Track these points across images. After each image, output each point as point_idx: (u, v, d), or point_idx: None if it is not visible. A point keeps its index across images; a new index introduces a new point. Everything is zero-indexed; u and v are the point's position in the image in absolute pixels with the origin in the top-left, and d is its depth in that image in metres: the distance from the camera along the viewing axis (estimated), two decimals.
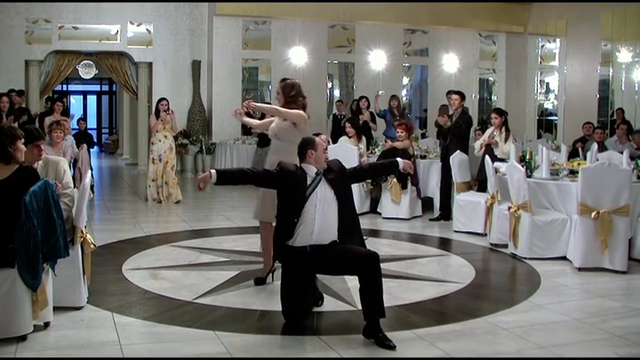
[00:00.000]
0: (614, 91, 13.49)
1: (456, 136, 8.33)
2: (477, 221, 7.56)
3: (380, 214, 8.84)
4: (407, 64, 15.97)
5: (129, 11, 13.93)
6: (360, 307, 4.15)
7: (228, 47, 14.25)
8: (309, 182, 4.30)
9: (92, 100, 23.49)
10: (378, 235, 7.76)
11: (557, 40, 14.96)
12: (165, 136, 9.81)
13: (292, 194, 4.28)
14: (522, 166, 6.59)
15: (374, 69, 14.95)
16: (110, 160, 18.65)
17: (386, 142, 9.13)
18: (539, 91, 15.71)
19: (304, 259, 4.25)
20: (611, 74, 13.54)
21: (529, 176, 6.61)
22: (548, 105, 15.67)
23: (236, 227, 7.93)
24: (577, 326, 4.46)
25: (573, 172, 6.71)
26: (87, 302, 4.64)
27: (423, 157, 9.31)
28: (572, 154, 9.58)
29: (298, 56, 14.31)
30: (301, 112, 5.26)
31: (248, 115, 5.87)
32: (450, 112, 8.69)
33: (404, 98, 15.41)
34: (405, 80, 15.98)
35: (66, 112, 11.33)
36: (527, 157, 6.90)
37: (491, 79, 16.68)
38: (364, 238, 4.53)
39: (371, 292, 4.02)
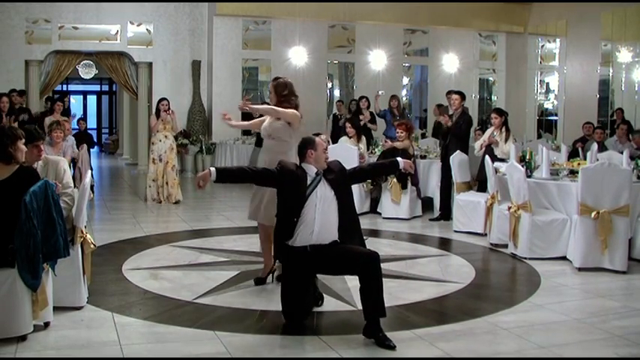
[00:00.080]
0: (614, 91, 13.49)
1: (455, 136, 8.33)
2: (477, 221, 7.56)
3: (380, 214, 8.84)
4: (407, 64, 15.97)
5: (129, 11, 13.93)
6: (360, 307, 4.15)
7: (228, 47, 14.25)
8: (309, 182, 4.31)
9: (92, 100, 23.49)
10: (378, 235, 7.76)
11: (557, 40, 14.97)
12: (166, 136, 9.80)
13: (292, 193, 4.28)
14: (522, 166, 6.59)
15: (374, 69, 14.95)
16: (110, 160, 18.65)
17: (386, 142, 9.13)
18: (539, 91, 15.72)
19: (305, 259, 4.25)
20: (611, 74, 13.54)
21: (529, 176, 6.61)
22: (548, 105, 15.67)
23: (236, 227, 7.93)
24: (577, 326, 4.46)
25: (573, 172, 6.71)
26: (87, 302, 4.64)
27: (423, 157, 9.31)
28: (572, 154, 9.58)
29: (298, 56, 14.31)
30: (295, 111, 5.26)
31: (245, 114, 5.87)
32: (450, 112, 8.69)
33: (404, 98, 15.41)
34: (405, 80, 15.99)
35: (66, 112, 11.33)
36: (527, 157, 6.90)
37: (491, 79, 16.68)
38: (364, 238, 4.53)
39: (371, 291, 4.02)
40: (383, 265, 4.23)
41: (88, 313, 4.50)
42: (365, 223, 7.95)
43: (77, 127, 11.86)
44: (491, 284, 5.72)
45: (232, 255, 6.44)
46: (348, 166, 4.62)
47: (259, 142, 11.05)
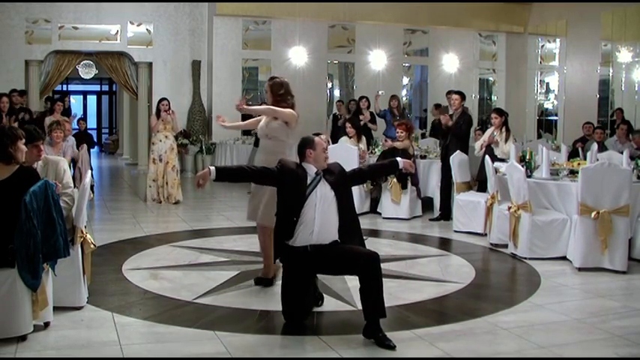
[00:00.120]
0: (614, 91, 13.49)
1: (456, 136, 8.33)
2: (477, 221, 7.56)
3: (380, 214, 8.84)
4: (407, 64, 15.97)
5: (129, 11, 13.93)
6: (360, 307, 4.15)
7: (228, 47, 14.25)
8: (309, 181, 4.31)
9: (92, 100, 23.50)
10: (378, 235, 7.76)
11: (557, 40, 14.96)
12: (166, 137, 9.80)
13: (292, 193, 4.28)
14: (522, 166, 6.59)
15: (374, 69, 14.95)
16: (110, 160, 18.66)
17: (386, 141, 9.13)
18: (539, 91, 15.71)
19: (305, 259, 4.25)
20: (611, 74, 13.54)
21: (529, 176, 6.61)
22: (548, 105, 15.67)
23: (236, 227, 7.93)
24: (577, 326, 4.46)
25: (573, 172, 6.71)
26: (87, 302, 4.64)
27: (423, 157, 9.31)
28: (572, 154, 9.58)
29: (298, 56, 14.31)
30: (292, 110, 5.26)
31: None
32: (450, 112, 8.69)
33: (404, 98, 15.41)
34: (405, 80, 15.99)
35: (67, 112, 11.32)
36: (527, 157, 6.90)
37: (491, 79, 16.68)
38: (364, 238, 4.53)
39: (371, 291, 4.02)
40: (383, 265, 4.23)
41: (88, 313, 4.50)
42: (365, 223, 7.95)
43: (77, 127, 11.86)
44: (491, 284, 5.72)
45: (232, 255, 6.44)
46: (348, 166, 4.62)
47: (258, 142, 11.03)
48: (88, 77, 17.38)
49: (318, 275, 4.67)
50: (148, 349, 3.95)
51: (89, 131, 12.93)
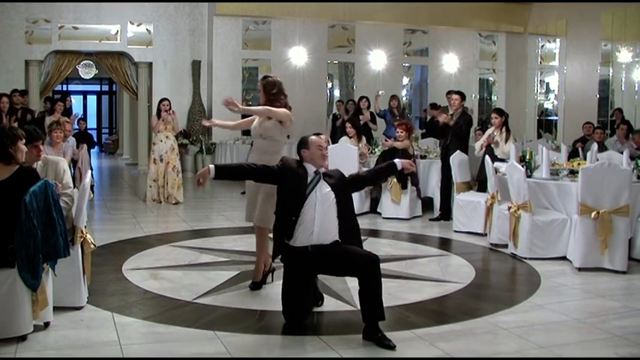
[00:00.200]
0: (614, 91, 13.50)
1: (456, 136, 8.33)
2: (477, 221, 7.56)
3: (380, 214, 8.84)
4: (407, 64, 15.98)
5: (129, 11, 13.94)
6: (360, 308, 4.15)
7: (228, 47, 14.26)
8: (309, 180, 4.31)
9: (92, 100, 23.50)
10: (378, 235, 7.76)
11: (557, 40, 14.97)
12: (167, 137, 9.79)
13: (292, 191, 4.28)
14: (522, 166, 6.58)
15: (374, 69, 14.96)
16: (110, 160, 18.66)
17: (386, 141, 9.13)
18: (539, 91, 15.72)
19: (305, 260, 4.25)
20: (611, 74, 13.54)
21: (529, 176, 6.61)
22: (548, 105, 15.67)
23: (236, 227, 7.93)
24: (577, 326, 4.46)
25: (573, 172, 6.71)
26: (87, 302, 4.64)
27: (423, 157, 9.31)
28: (572, 154, 9.58)
29: (298, 56, 14.32)
30: (287, 110, 5.25)
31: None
32: (451, 112, 8.69)
33: (404, 98, 15.42)
34: (405, 80, 15.99)
35: (68, 112, 11.31)
36: (527, 157, 6.89)
37: (491, 79, 16.69)
38: (363, 238, 4.53)
39: (370, 293, 4.01)
40: (383, 265, 4.24)
41: (88, 313, 4.50)
42: (365, 223, 7.97)
43: (77, 127, 11.86)
44: (491, 284, 5.72)
45: (232, 255, 6.44)
46: (348, 166, 4.62)
47: None
48: (88, 77, 17.39)
49: (318, 275, 4.67)
50: (148, 349, 3.95)
51: (89, 131, 12.93)
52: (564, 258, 6.24)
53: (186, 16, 14.40)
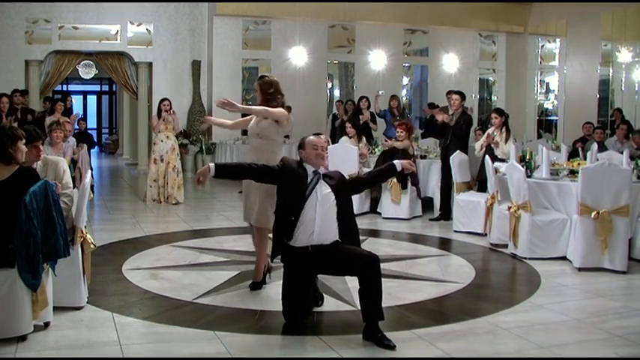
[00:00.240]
0: (614, 91, 13.50)
1: (456, 136, 8.33)
2: (477, 221, 7.56)
3: (380, 214, 8.84)
4: (407, 64, 15.98)
5: (129, 11, 13.94)
6: (360, 307, 4.15)
7: (228, 47, 14.26)
8: (309, 181, 4.32)
9: (92, 100, 23.50)
10: (378, 235, 7.76)
11: (557, 40, 14.97)
12: (168, 137, 9.79)
13: (292, 191, 4.29)
14: (522, 166, 6.58)
15: (374, 69, 14.96)
16: (110, 160, 18.66)
17: (386, 141, 9.13)
18: (539, 91, 15.72)
19: (306, 260, 4.25)
20: (611, 74, 13.54)
21: (529, 176, 6.61)
22: (548, 105, 15.67)
23: (236, 227, 7.93)
24: (577, 326, 4.46)
25: (573, 172, 6.71)
26: (87, 302, 4.64)
27: (423, 157, 9.31)
28: (572, 154, 9.58)
29: (298, 56, 14.32)
30: (284, 110, 5.25)
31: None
32: (451, 112, 8.69)
33: (404, 98, 15.42)
34: (405, 80, 15.99)
35: (69, 112, 11.31)
36: (527, 157, 6.89)
37: (491, 79, 16.69)
38: (362, 238, 4.53)
39: (370, 293, 4.01)
40: (383, 265, 4.23)
41: (88, 313, 4.50)
42: (365, 223, 7.98)
43: (77, 127, 11.86)
44: (491, 284, 5.72)
45: (232, 255, 6.44)
46: (348, 166, 4.63)
47: None
48: (88, 77, 17.38)
49: (318, 275, 4.67)
50: (147, 349, 3.95)
51: (89, 131, 12.93)
52: (564, 258, 6.24)
53: (186, 16, 14.40)
